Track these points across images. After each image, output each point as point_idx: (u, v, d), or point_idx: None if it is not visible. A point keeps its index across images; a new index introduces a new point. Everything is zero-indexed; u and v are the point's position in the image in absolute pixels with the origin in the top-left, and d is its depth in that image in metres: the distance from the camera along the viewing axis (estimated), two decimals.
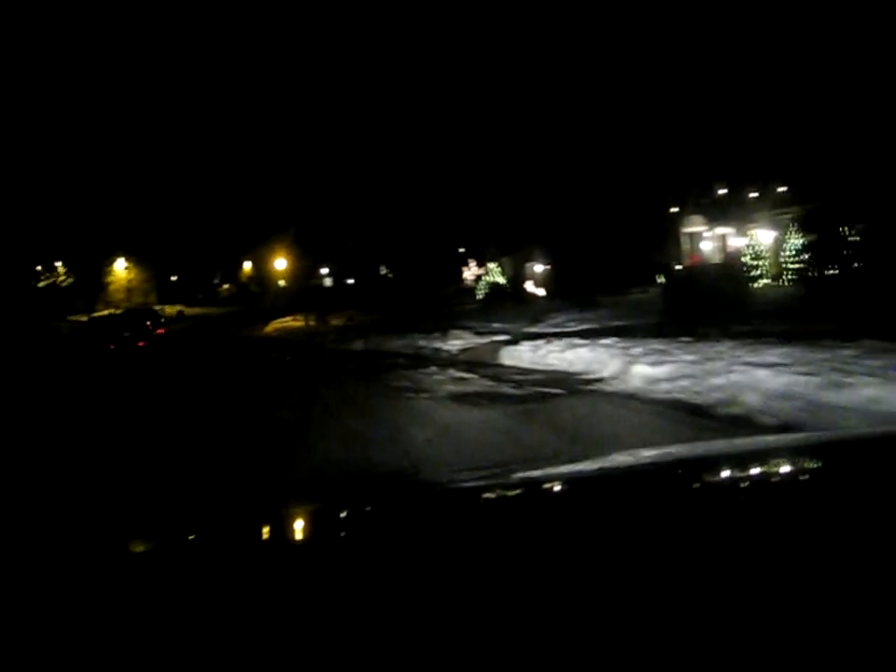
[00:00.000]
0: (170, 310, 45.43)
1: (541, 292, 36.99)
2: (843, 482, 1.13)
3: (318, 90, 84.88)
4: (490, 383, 8.72)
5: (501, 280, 38.02)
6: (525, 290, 36.44)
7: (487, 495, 1.32)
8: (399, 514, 1.21)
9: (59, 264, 45.68)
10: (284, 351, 18.23)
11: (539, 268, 45.20)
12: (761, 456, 1.47)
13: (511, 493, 1.34)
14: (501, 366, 10.81)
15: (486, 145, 56.60)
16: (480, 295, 37.09)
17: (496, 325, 19.50)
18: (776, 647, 0.57)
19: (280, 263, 62.04)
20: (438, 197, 54.47)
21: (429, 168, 59.24)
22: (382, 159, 64.31)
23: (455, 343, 14.47)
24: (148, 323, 21.70)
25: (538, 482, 1.41)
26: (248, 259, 68.70)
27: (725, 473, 1.37)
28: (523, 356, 10.84)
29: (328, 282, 66.26)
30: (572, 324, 16.51)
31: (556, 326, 16.46)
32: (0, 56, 44.05)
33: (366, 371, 11.52)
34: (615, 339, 10.20)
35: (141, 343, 20.49)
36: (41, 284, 41.30)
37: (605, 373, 8.21)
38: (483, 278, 41.02)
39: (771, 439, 2.44)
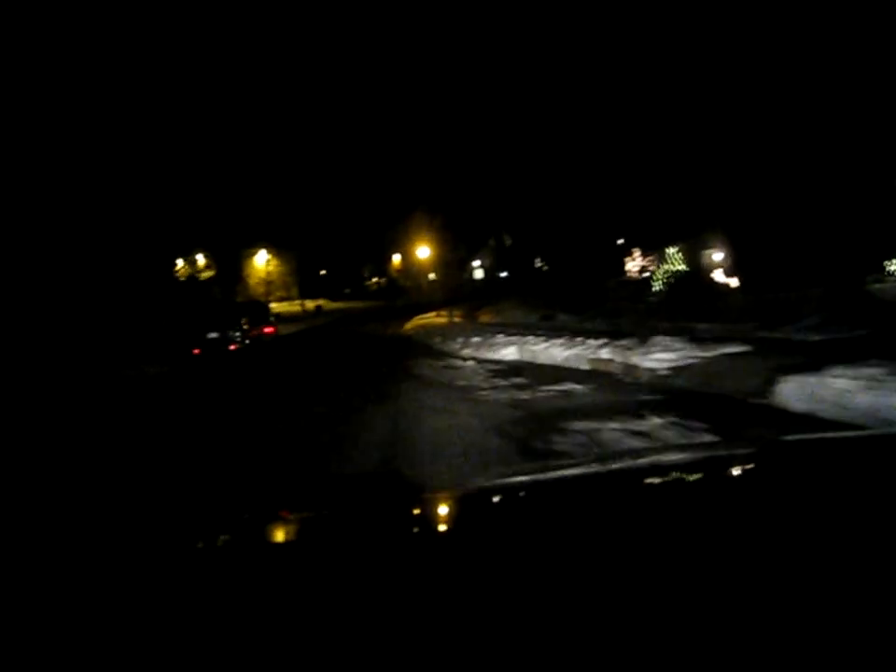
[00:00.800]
0: (310, 304, 42.93)
1: (734, 282, 30.17)
2: (843, 483, 1.11)
3: (472, 80, 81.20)
4: None
5: (684, 269, 31.54)
6: (714, 281, 29.72)
7: (490, 497, 1.28)
8: (403, 517, 1.19)
9: (200, 257, 44.42)
10: (404, 359, 13.42)
11: (718, 255, 38.20)
12: (764, 456, 1.44)
13: (512, 495, 1.30)
14: (795, 417, 5.26)
15: (652, 114, 49.55)
16: (657, 287, 30.86)
17: (703, 326, 13.83)
18: (773, 646, 0.58)
19: (429, 256, 58.84)
20: (598, 182, 48.43)
21: (589, 151, 53.33)
22: (537, 148, 59.14)
23: (663, 356, 8.96)
24: (244, 322, 17.70)
25: (542, 483, 1.38)
26: (398, 252, 66.00)
27: (726, 475, 1.32)
28: (844, 398, 5.21)
29: (479, 274, 62.42)
30: (846, 330, 10.38)
31: (821, 331, 10.43)
32: (152, 56, 43.41)
33: (515, 417, 6.36)
34: None
35: (232, 347, 16.55)
36: (180, 276, 39.99)
37: None
38: (660, 268, 34.61)
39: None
